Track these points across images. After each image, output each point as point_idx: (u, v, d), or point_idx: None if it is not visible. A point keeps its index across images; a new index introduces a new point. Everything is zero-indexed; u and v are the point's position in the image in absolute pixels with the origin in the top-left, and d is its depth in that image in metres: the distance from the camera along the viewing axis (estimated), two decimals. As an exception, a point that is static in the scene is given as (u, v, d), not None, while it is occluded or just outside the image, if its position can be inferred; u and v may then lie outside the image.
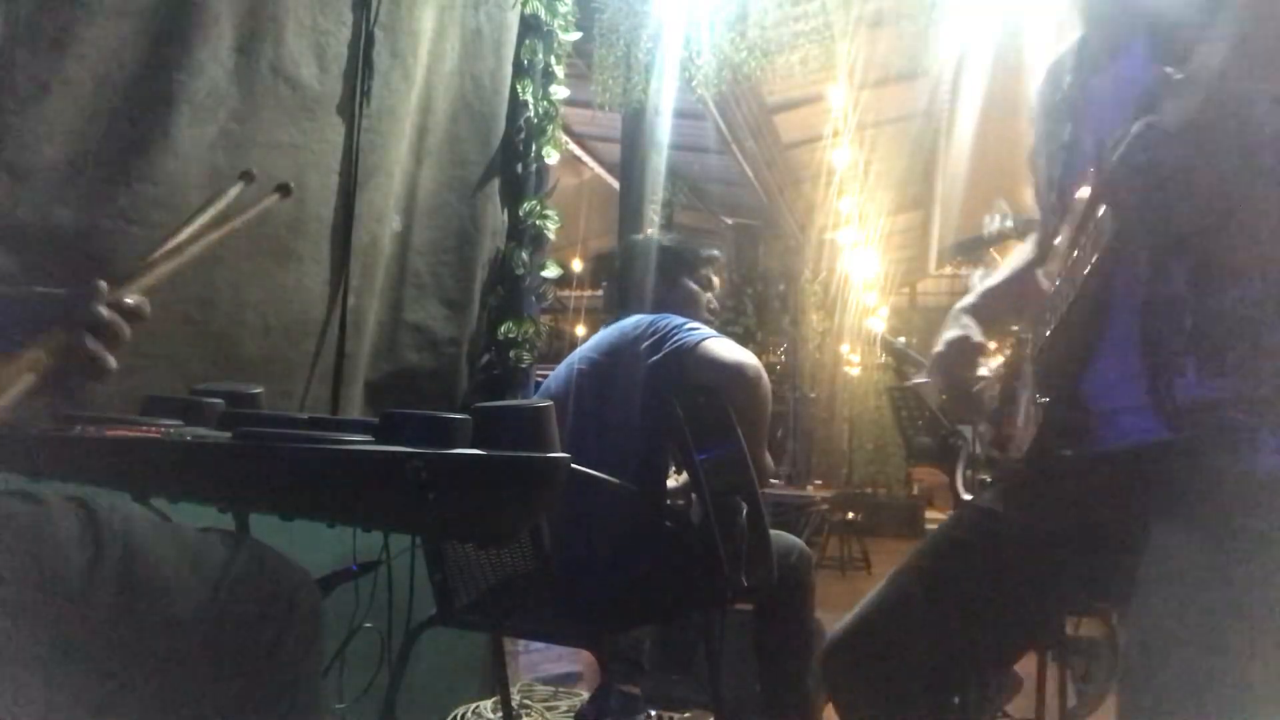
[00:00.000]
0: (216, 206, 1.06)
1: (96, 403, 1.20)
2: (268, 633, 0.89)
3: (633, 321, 2.02)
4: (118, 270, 0.87)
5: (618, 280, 2.25)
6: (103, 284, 0.80)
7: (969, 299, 1.35)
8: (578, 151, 6.47)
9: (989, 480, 1.25)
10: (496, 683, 2.20)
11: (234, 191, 1.11)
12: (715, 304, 2.25)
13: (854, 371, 11.21)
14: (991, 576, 1.12)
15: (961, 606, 1.12)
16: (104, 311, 0.79)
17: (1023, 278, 1.30)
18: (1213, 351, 0.95)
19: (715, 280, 2.28)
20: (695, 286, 2.21)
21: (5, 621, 0.75)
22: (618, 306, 2.19)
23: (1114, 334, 1.03)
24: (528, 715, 2.55)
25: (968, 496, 1.35)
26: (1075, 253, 1.01)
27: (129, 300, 0.81)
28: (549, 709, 2.60)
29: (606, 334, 2.07)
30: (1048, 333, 1.09)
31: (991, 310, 1.32)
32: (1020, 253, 1.38)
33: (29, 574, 0.77)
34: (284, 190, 1.17)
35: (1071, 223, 1.06)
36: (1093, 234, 0.96)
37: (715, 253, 2.33)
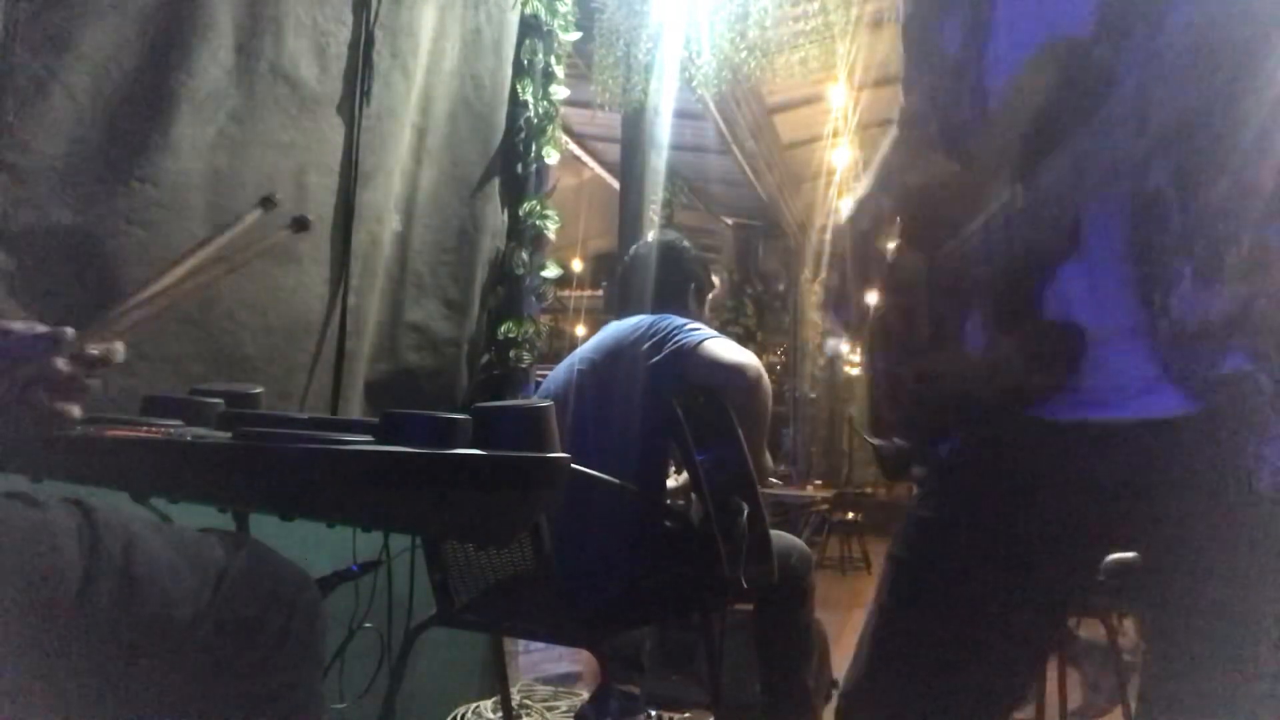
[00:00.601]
0: (230, 234, 1.02)
1: (97, 403, 1.20)
2: (267, 633, 0.88)
3: (633, 322, 2.02)
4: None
5: (629, 280, 2.26)
6: (69, 332, 0.75)
7: (853, 212, 1.13)
8: (578, 151, 6.47)
9: (929, 429, 1.05)
10: (496, 683, 2.20)
11: (251, 218, 1.07)
12: (709, 314, 2.28)
13: (854, 371, 11.20)
14: (983, 585, 0.97)
15: (964, 626, 0.98)
16: (61, 364, 0.74)
17: (907, 180, 1.11)
18: (1207, 253, 0.83)
19: (717, 285, 2.31)
20: (706, 293, 2.24)
21: (5, 622, 0.75)
22: (622, 306, 2.20)
23: (1095, 239, 0.88)
24: (528, 715, 2.55)
25: (877, 441, 1.16)
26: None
27: (93, 350, 0.77)
28: (549, 709, 2.60)
29: (606, 334, 2.07)
30: (1008, 240, 0.92)
31: (880, 222, 1.12)
32: (898, 153, 1.16)
33: (28, 575, 0.77)
34: (300, 224, 1.12)
35: (1018, 111, 0.90)
36: (1105, 124, 0.81)
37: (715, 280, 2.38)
